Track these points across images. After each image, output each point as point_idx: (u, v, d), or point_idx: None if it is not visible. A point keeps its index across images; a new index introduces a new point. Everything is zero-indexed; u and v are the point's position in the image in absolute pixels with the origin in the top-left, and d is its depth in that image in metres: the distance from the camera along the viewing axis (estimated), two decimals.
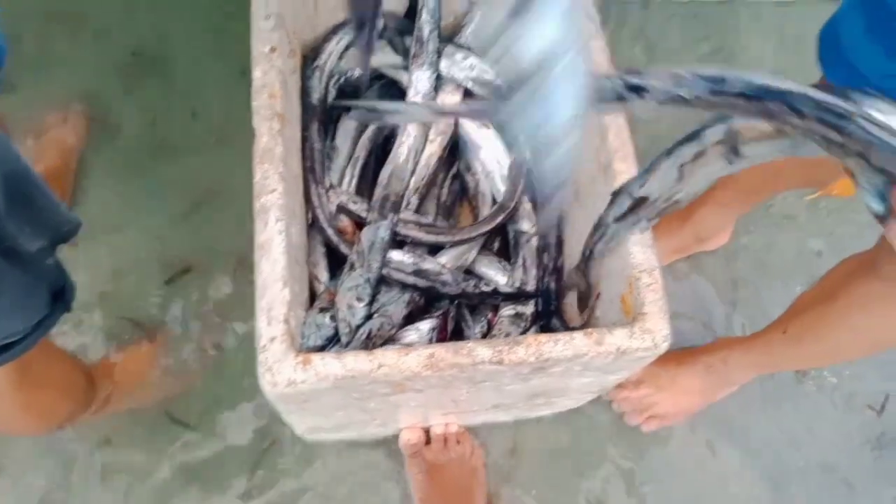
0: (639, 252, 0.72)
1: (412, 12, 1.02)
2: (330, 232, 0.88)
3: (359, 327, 0.81)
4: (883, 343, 0.84)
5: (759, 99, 0.41)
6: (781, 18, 1.42)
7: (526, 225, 0.96)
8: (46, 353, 0.79)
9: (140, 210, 1.19)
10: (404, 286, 0.87)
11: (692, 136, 0.56)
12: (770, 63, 1.38)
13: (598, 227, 0.71)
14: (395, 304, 0.85)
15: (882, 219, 0.41)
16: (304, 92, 0.96)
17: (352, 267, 0.86)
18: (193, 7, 1.32)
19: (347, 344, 0.80)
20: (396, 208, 0.89)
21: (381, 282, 0.87)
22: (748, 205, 1.12)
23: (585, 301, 0.83)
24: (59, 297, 0.68)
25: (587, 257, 0.76)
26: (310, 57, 1.00)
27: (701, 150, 0.55)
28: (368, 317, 0.83)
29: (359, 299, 0.82)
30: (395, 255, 0.89)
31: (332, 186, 0.93)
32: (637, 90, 0.43)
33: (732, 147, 0.52)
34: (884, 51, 0.68)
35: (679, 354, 1.11)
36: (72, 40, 1.28)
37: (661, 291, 0.70)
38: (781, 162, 0.94)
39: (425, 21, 0.93)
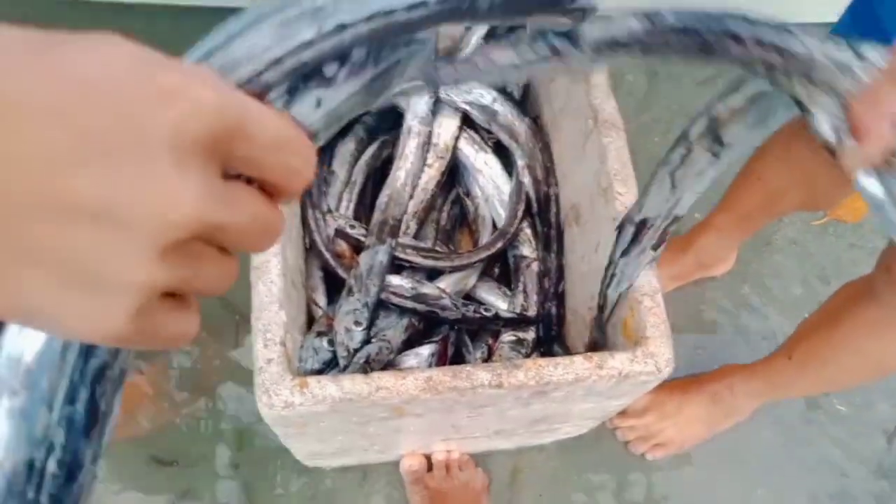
0: (640, 275, 0.72)
1: None
2: (328, 256, 0.88)
3: (356, 351, 0.80)
4: (888, 368, 0.82)
5: (695, 32, 0.40)
6: None
7: (526, 250, 0.96)
8: None
9: None
10: (403, 310, 0.87)
11: (679, 140, 0.55)
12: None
13: (608, 268, 0.71)
14: (395, 329, 0.84)
15: (833, 150, 0.39)
16: None
17: (350, 291, 0.85)
18: None
19: (345, 368, 0.79)
20: (395, 233, 0.89)
21: (380, 306, 0.87)
22: (748, 231, 1.10)
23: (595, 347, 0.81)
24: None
25: (601, 307, 0.75)
26: None
27: (687, 150, 0.54)
28: (367, 341, 0.82)
29: (356, 323, 0.81)
30: (395, 280, 0.88)
31: (329, 211, 0.93)
32: (570, 38, 0.41)
33: (714, 136, 0.51)
34: None
35: (684, 382, 1.10)
36: None
37: (663, 315, 0.69)
38: (777, 182, 0.95)
39: None
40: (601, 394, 0.72)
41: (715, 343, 1.21)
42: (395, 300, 0.87)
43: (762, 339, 1.21)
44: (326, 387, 0.65)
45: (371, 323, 0.84)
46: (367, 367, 0.79)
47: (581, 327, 0.88)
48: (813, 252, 1.29)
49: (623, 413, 1.06)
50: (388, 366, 0.84)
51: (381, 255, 0.88)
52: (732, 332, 1.22)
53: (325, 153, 0.99)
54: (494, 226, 0.98)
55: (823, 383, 0.96)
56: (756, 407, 1.08)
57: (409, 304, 0.86)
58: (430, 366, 0.86)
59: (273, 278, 0.69)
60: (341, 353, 0.80)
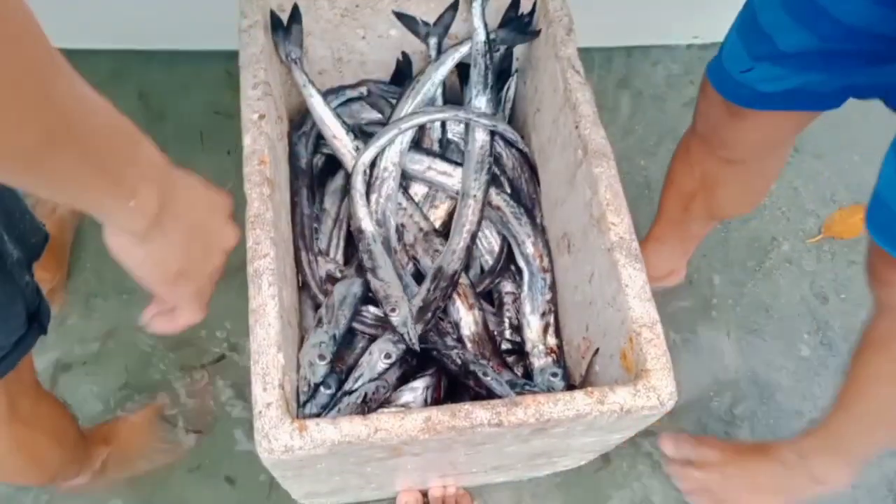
0: (637, 306, 0.71)
1: (396, 78, 1.04)
2: (321, 298, 0.87)
3: (318, 385, 0.79)
4: None
5: None
6: None
7: (510, 286, 0.95)
8: (36, 393, 0.78)
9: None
10: (373, 338, 0.87)
11: None
12: None
13: None
14: (393, 371, 0.83)
15: None
16: (292, 156, 0.96)
17: (319, 322, 0.84)
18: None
19: (304, 404, 0.77)
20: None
21: (352, 337, 0.87)
22: (686, 239, 1.13)
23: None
24: (35, 318, 0.67)
25: None
26: (296, 122, 1.01)
27: None
28: (329, 374, 0.81)
29: (321, 357, 0.80)
30: (372, 308, 0.88)
31: (320, 252, 0.92)
32: None
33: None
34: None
35: (757, 445, 0.95)
36: None
37: (663, 347, 0.69)
38: (685, 185, 1.00)
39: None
40: (602, 428, 0.71)
41: (719, 368, 1.20)
42: (368, 330, 0.86)
43: (762, 363, 1.21)
44: (325, 430, 0.64)
45: (336, 356, 0.82)
46: (365, 407, 0.78)
47: (577, 358, 0.87)
48: (809, 271, 1.29)
49: (684, 459, 0.95)
50: (384, 402, 0.83)
51: (356, 287, 0.87)
52: (734, 355, 1.21)
53: (318, 190, 0.99)
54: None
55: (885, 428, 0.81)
56: (850, 472, 0.87)
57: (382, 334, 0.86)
58: (425, 399, 0.85)
59: (270, 321, 0.68)
60: (303, 387, 0.79)
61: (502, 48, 0.99)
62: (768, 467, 0.91)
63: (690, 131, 0.98)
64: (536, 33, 0.95)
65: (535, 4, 0.95)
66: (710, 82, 0.87)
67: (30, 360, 0.74)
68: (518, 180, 1.00)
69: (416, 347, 0.82)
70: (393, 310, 0.82)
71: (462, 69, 0.99)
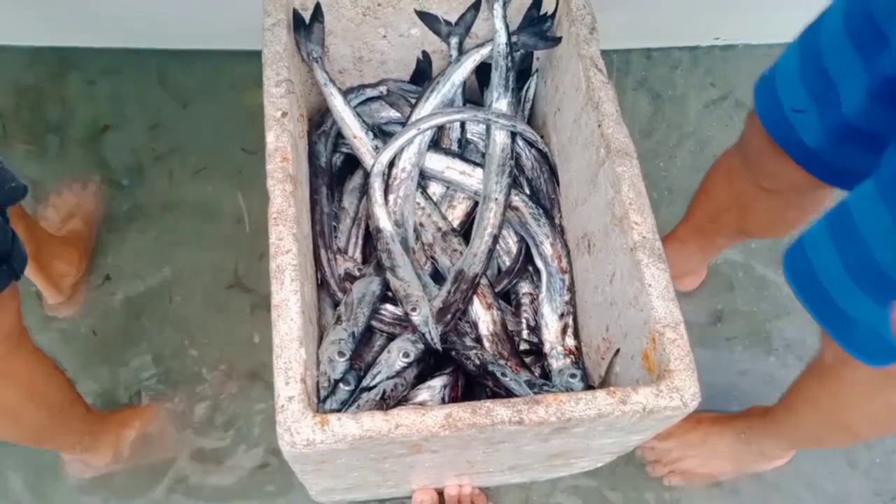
0: (661, 306, 0.71)
1: (416, 77, 1.05)
2: (340, 296, 0.88)
3: (337, 382, 0.79)
4: (853, 430, 0.82)
5: None
6: None
7: (527, 287, 0.95)
8: (15, 345, 0.78)
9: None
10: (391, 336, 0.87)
11: None
12: None
13: None
14: (411, 369, 0.83)
15: None
16: (312, 155, 0.97)
17: (338, 320, 0.85)
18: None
19: (325, 400, 0.78)
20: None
21: (370, 335, 0.87)
22: (706, 247, 1.11)
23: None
24: (5, 261, 0.67)
25: None
26: (316, 121, 1.01)
27: None
28: (349, 371, 0.81)
29: (340, 353, 0.80)
30: (390, 307, 0.88)
31: (339, 250, 0.93)
32: None
33: None
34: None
35: (714, 416, 1.09)
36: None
37: (686, 347, 0.68)
38: (719, 198, 0.98)
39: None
40: (623, 429, 0.71)
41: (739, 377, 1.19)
42: (387, 329, 0.87)
43: (783, 371, 1.20)
44: (347, 424, 0.64)
45: (354, 353, 0.83)
46: (384, 404, 0.78)
47: (596, 359, 0.87)
48: None
49: None
50: (402, 400, 0.83)
51: (375, 286, 0.87)
52: (754, 360, 1.21)
53: (337, 189, 0.99)
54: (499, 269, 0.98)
55: (811, 439, 0.97)
56: (791, 454, 1.07)
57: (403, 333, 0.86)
58: (443, 398, 0.85)
59: (293, 315, 0.68)
60: (322, 383, 0.79)
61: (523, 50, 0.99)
62: (727, 437, 1.05)
63: (735, 147, 0.93)
64: (558, 40, 0.94)
65: (557, 3, 0.95)
66: (756, 106, 0.80)
67: (10, 310, 0.74)
68: (537, 180, 1.00)
69: (439, 347, 0.82)
70: (413, 309, 0.82)
71: (481, 67, 0.99)
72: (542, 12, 0.96)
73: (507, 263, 0.97)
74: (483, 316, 0.90)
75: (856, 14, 0.64)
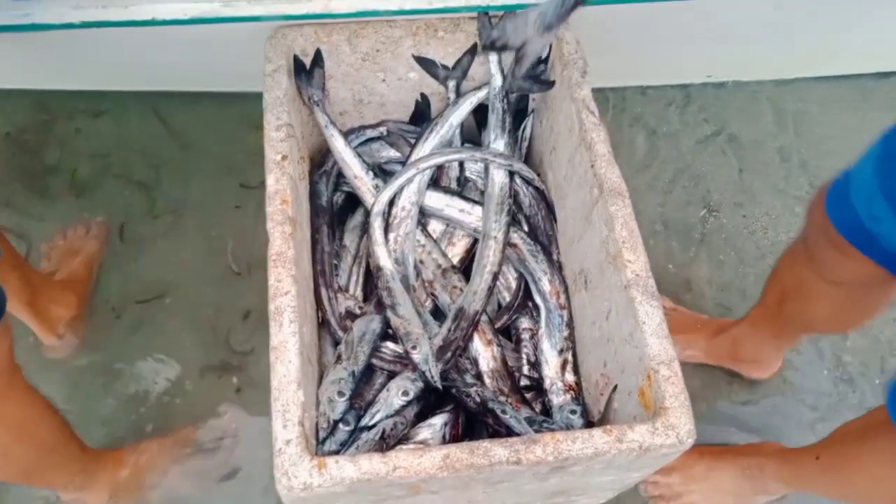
0: (655, 343, 0.72)
1: (415, 118, 1.07)
2: (341, 335, 0.89)
3: (336, 422, 0.80)
4: None
5: None
6: (777, 97, 1.46)
7: (527, 322, 0.96)
8: (7, 384, 0.78)
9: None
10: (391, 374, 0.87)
11: None
12: (772, 142, 1.41)
13: None
14: (412, 407, 0.84)
15: None
16: (314, 194, 0.99)
17: (338, 358, 0.85)
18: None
19: (324, 441, 0.78)
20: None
21: (370, 373, 0.87)
22: (779, 334, 1.07)
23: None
24: None
25: None
26: (317, 160, 1.03)
27: None
28: (348, 410, 0.82)
29: (340, 393, 0.81)
30: (390, 344, 0.89)
31: (340, 288, 0.94)
32: None
33: None
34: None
35: (718, 449, 1.08)
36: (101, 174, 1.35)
37: (681, 384, 0.69)
38: (788, 283, 0.95)
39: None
40: (621, 467, 0.71)
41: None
42: (387, 366, 0.87)
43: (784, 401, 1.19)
44: (344, 467, 0.65)
45: (354, 393, 0.83)
46: (383, 444, 0.78)
47: (595, 394, 0.87)
48: None
49: None
50: (403, 439, 0.83)
51: (375, 324, 0.88)
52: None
53: (338, 227, 1.01)
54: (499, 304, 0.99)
55: (843, 496, 0.92)
56: (787, 492, 1.05)
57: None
58: (443, 436, 0.85)
59: (291, 357, 0.69)
60: (322, 423, 0.79)
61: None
62: (731, 472, 1.04)
63: (801, 247, 0.89)
64: (551, 84, 0.97)
65: (550, 48, 0.98)
66: (826, 210, 0.77)
67: (0, 350, 0.75)
68: (535, 217, 1.01)
69: (439, 385, 0.82)
70: (414, 347, 0.83)
71: (479, 107, 1.01)
72: None
73: (507, 299, 0.98)
74: (483, 352, 0.90)
75: None
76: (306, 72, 0.97)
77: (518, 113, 1.06)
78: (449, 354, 0.86)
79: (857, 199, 0.71)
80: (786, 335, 1.09)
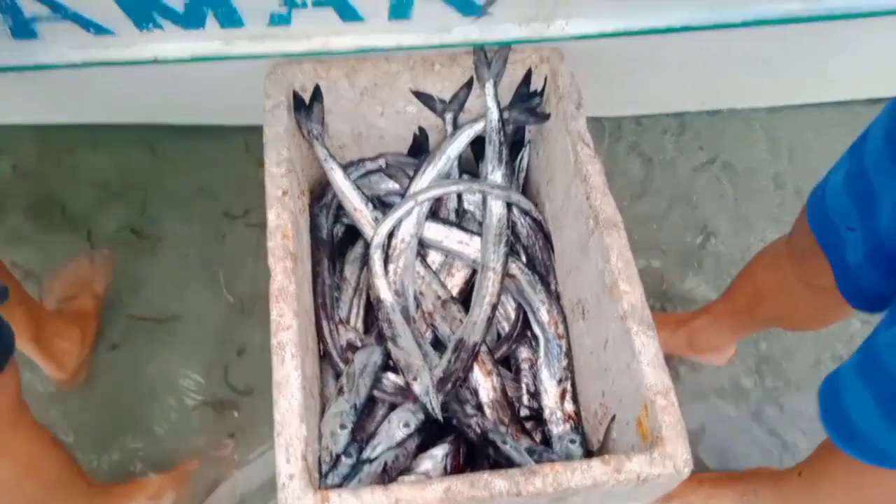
0: (651, 374, 0.73)
1: (414, 150, 1.09)
2: (342, 367, 0.89)
3: (339, 456, 0.80)
4: None
5: None
6: (771, 125, 1.48)
7: (526, 352, 0.97)
8: (14, 421, 0.79)
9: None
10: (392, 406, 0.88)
11: None
12: (766, 169, 1.43)
13: None
14: (413, 439, 0.84)
15: None
16: (314, 227, 1.00)
17: (340, 391, 0.86)
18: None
19: (326, 474, 0.79)
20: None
21: (372, 405, 0.88)
22: (739, 328, 1.12)
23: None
24: None
25: None
26: (317, 192, 1.05)
27: None
28: (350, 443, 0.82)
29: (342, 426, 0.82)
30: (391, 376, 0.89)
31: (341, 321, 0.95)
32: None
33: None
34: None
35: (715, 477, 1.09)
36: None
37: (677, 414, 0.70)
38: (762, 284, 0.98)
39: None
40: (620, 496, 0.72)
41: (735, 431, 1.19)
42: (388, 398, 0.88)
43: (779, 425, 1.20)
44: (347, 501, 0.65)
45: (356, 425, 0.84)
46: (385, 477, 0.79)
47: (594, 423, 0.88)
48: (823, 332, 1.28)
49: None
50: (404, 470, 0.84)
51: (376, 355, 0.89)
52: (747, 419, 1.21)
53: (338, 259, 1.02)
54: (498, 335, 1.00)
55: None
56: None
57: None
58: (445, 467, 0.86)
59: (294, 392, 0.70)
60: (325, 457, 0.80)
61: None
62: (729, 499, 1.05)
63: (784, 239, 0.93)
64: (547, 116, 0.99)
65: (545, 81, 1.00)
66: (808, 219, 0.81)
67: (8, 388, 0.76)
68: (533, 247, 1.02)
69: (440, 417, 0.83)
70: (415, 378, 0.84)
71: (476, 139, 1.03)
72: (531, 89, 1.01)
73: (506, 329, 0.99)
74: (483, 383, 0.91)
75: None
76: (306, 107, 0.99)
77: (515, 144, 1.07)
78: (449, 385, 0.86)
79: (832, 204, 0.75)
80: (746, 329, 1.13)
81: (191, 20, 0.87)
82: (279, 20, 0.88)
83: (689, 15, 0.93)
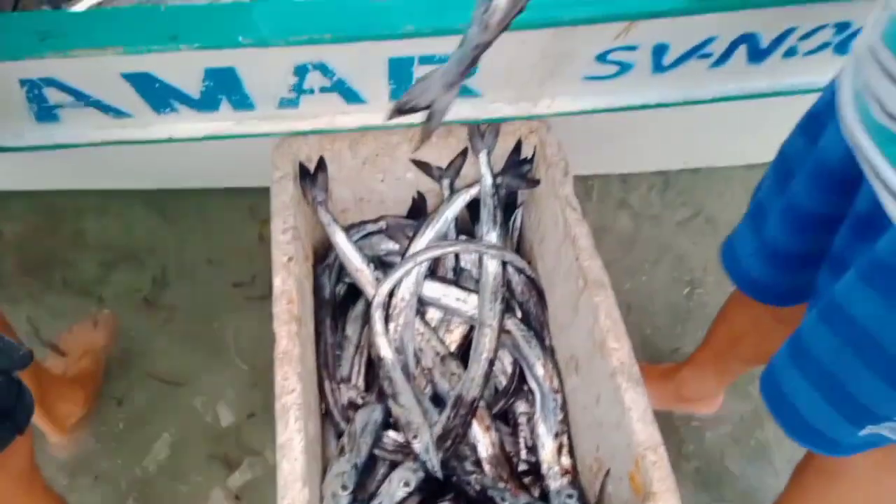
0: (641, 429, 0.76)
1: (413, 212, 1.15)
2: (344, 426, 0.92)
3: None
4: None
5: None
6: (749, 180, 1.54)
7: (524, 406, 1.00)
8: (27, 486, 0.81)
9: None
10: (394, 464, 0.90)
11: None
12: None
13: None
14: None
15: None
16: (317, 287, 1.05)
17: (341, 451, 0.89)
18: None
19: None
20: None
21: (373, 463, 0.90)
22: (723, 373, 1.15)
23: None
24: (8, 416, 0.71)
25: None
26: (320, 253, 1.10)
27: None
28: (353, 502, 0.84)
29: (343, 487, 0.84)
30: (392, 434, 0.92)
31: (343, 379, 0.98)
32: None
33: None
34: None
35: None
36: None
37: (667, 469, 0.73)
38: (737, 325, 1.03)
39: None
40: None
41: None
42: (389, 456, 0.90)
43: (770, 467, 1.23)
44: None
45: (358, 485, 0.86)
46: None
47: (590, 477, 0.91)
48: None
49: None
50: None
51: (377, 413, 0.92)
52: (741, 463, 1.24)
53: (340, 318, 1.06)
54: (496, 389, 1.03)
55: None
56: None
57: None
58: None
59: (297, 455, 0.73)
60: None
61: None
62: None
63: None
64: (537, 182, 1.05)
65: (535, 150, 1.06)
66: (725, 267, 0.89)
67: (21, 452, 0.77)
68: (527, 303, 1.07)
69: (440, 475, 0.86)
70: (415, 436, 0.87)
71: (472, 202, 1.09)
72: (522, 157, 1.07)
73: (503, 383, 1.02)
74: (482, 438, 0.94)
75: (781, 160, 0.80)
76: (310, 175, 1.05)
77: (508, 205, 1.13)
78: (449, 442, 0.90)
79: (738, 242, 0.83)
80: (729, 373, 1.17)
81: (205, 104, 0.92)
82: (288, 103, 0.94)
83: (664, 93, 1.00)
